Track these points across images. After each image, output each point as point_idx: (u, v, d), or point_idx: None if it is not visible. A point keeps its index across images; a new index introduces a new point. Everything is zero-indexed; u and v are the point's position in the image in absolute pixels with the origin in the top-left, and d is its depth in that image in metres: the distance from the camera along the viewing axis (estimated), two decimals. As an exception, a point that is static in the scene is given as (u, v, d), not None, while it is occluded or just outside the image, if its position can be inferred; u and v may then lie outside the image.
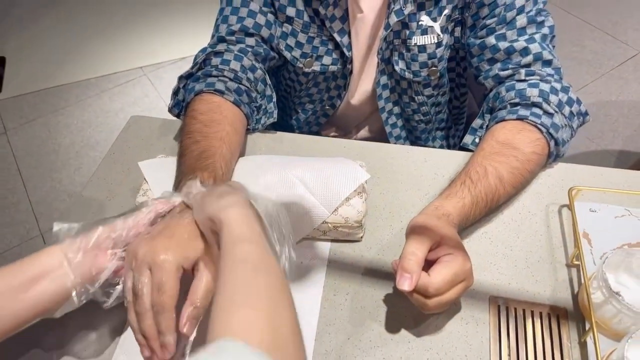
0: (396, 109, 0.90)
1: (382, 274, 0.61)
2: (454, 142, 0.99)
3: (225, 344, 0.31)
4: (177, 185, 0.60)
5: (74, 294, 0.46)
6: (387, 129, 0.92)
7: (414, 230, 0.53)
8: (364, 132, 0.99)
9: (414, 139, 0.95)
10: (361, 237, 0.65)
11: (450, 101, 0.94)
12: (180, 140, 0.67)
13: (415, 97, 0.86)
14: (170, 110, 0.77)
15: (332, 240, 0.65)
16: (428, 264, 0.52)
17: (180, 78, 0.76)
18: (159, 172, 0.67)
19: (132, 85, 2.19)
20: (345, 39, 0.79)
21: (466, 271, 0.51)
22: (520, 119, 0.67)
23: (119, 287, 0.49)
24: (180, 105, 0.75)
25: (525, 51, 0.70)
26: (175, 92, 0.76)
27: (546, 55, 0.70)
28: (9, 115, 2.14)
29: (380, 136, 0.96)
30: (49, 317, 0.47)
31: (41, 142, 2.00)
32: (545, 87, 0.68)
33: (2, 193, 1.84)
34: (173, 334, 0.44)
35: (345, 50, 0.80)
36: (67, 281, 0.46)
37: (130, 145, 0.81)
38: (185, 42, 2.35)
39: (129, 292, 0.46)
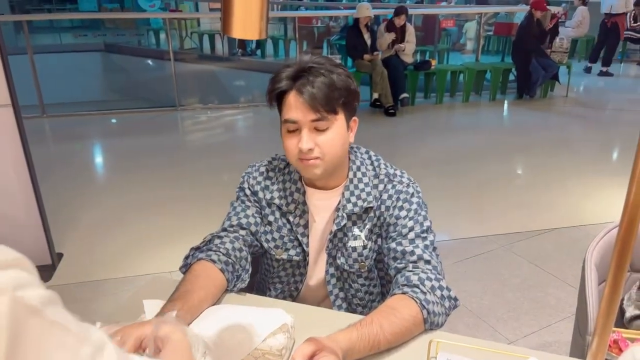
0: (341, 294, 1.24)
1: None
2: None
3: None
4: (161, 310, 0.94)
5: None
6: (335, 309, 1.24)
7: (307, 339, 0.83)
8: (319, 313, 1.30)
9: (355, 320, 1.25)
10: None
11: (383, 295, 1.28)
12: (177, 284, 1.03)
13: (352, 285, 1.21)
14: (180, 268, 1.14)
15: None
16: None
17: (192, 249, 1.16)
18: (156, 307, 0.99)
19: (159, 285, 2.59)
20: (305, 239, 1.20)
21: (335, 368, 0.79)
22: (404, 293, 1.01)
23: None
24: (187, 266, 1.13)
25: (412, 253, 1.08)
26: (186, 257, 1.15)
27: (426, 257, 1.07)
28: (50, 298, 2.52)
29: (330, 317, 1.27)
30: None
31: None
32: (423, 276, 1.03)
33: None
34: None
35: (304, 246, 1.20)
36: None
37: (146, 294, 1.16)
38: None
39: None
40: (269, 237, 1.21)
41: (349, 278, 1.21)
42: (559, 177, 4.05)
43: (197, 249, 1.15)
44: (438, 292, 1.02)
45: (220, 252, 1.12)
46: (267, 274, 1.29)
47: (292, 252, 1.21)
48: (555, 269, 2.69)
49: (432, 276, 1.04)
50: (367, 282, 1.21)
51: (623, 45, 9.26)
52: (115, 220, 3.34)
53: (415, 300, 0.99)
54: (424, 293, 1.00)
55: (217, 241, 1.15)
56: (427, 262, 1.07)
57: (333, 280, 1.23)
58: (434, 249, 1.11)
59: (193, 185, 3.92)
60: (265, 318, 0.93)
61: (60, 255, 2.90)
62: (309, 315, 1.08)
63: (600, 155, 4.82)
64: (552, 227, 3.14)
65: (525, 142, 5.11)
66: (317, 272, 1.24)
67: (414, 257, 1.07)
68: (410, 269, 1.06)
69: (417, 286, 1.01)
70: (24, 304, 0.42)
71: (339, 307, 1.25)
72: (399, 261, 1.09)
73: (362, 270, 1.19)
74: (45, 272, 2.75)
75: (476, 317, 2.32)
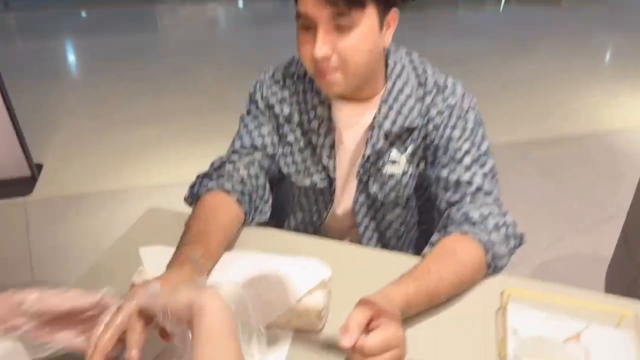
0: (372, 225, 1.06)
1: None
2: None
3: None
4: (175, 255, 0.74)
5: None
6: (364, 241, 1.07)
7: (360, 302, 0.65)
8: (345, 244, 1.14)
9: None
10: (320, 329, 0.74)
11: (420, 224, 1.11)
12: (187, 221, 0.83)
13: (387, 215, 1.03)
14: (185, 199, 0.94)
15: (296, 330, 0.73)
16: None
17: (198, 176, 0.95)
18: (157, 257, 0.77)
19: (152, 199, 2.41)
20: (331, 163, 0.99)
21: (398, 338, 0.62)
22: (464, 233, 0.83)
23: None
24: (194, 196, 0.92)
25: (469, 183, 0.88)
26: (192, 186, 0.94)
27: (487, 187, 0.88)
28: (34, 214, 2.34)
29: (358, 249, 1.11)
30: None
31: (58, 242, 2.15)
32: (485, 211, 0.85)
33: (10, 285, 1.94)
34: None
35: (330, 172, 0.99)
36: None
37: (144, 233, 0.96)
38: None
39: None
40: (288, 160, 1.00)
41: (383, 208, 1.02)
42: (573, 80, 3.80)
43: (205, 175, 0.94)
44: (502, 230, 0.85)
45: (234, 180, 0.91)
46: (286, 201, 1.10)
47: (315, 177, 1.01)
48: (569, 179, 2.57)
49: (495, 211, 0.86)
50: (404, 212, 1.03)
51: None
52: (95, 128, 3.07)
53: (478, 242, 0.81)
54: (488, 232, 0.83)
55: (229, 167, 0.94)
56: (488, 193, 0.88)
57: (363, 210, 1.04)
58: (494, 176, 0.92)
59: (176, 90, 3.59)
60: (301, 271, 0.74)
61: (39, 167, 2.67)
62: (339, 254, 0.90)
63: (618, 57, 4.53)
64: (566, 135, 2.98)
65: (536, 42, 4.76)
66: (344, 200, 1.05)
67: (472, 188, 0.88)
68: (468, 202, 0.88)
69: (479, 224, 0.83)
70: None
71: (369, 239, 1.08)
72: (451, 192, 0.90)
73: (400, 200, 1.00)
74: (26, 185, 2.54)
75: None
